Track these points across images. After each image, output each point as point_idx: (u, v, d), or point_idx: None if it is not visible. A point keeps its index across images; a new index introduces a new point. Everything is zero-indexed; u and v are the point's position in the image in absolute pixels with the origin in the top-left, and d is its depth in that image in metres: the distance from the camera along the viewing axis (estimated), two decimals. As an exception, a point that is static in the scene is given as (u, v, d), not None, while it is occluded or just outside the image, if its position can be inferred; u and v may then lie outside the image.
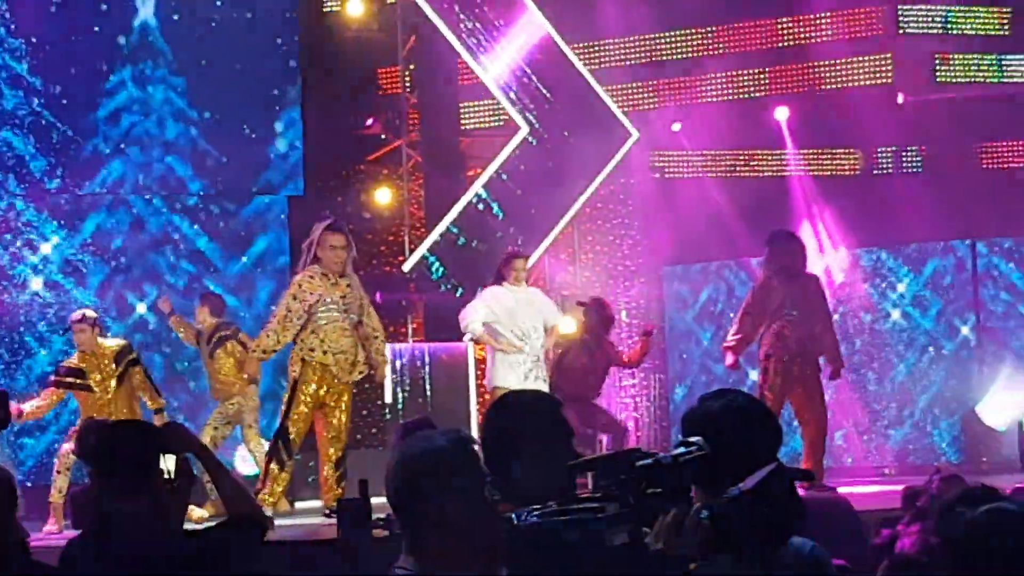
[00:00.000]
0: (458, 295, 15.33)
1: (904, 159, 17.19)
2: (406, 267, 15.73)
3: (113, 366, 12.64)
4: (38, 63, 15.22)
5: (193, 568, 5.22)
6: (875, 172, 17.28)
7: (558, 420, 4.62)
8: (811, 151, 17.22)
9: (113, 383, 12.62)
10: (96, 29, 15.50)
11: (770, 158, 17.19)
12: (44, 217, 15.32)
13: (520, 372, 12.50)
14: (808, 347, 12.44)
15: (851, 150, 17.29)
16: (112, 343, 12.90)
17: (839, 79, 16.89)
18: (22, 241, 15.25)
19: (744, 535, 3.23)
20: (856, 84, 16.80)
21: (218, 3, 15.86)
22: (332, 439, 11.64)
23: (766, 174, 17.15)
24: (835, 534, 5.39)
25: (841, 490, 11.27)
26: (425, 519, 3.75)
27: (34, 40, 15.22)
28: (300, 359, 11.55)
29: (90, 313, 12.97)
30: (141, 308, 15.55)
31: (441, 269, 15.72)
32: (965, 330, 16.36)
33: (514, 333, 12.51)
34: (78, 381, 12.67)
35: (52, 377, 13.03)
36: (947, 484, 6.85)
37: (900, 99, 16.70)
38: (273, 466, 11.54)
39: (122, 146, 15.60)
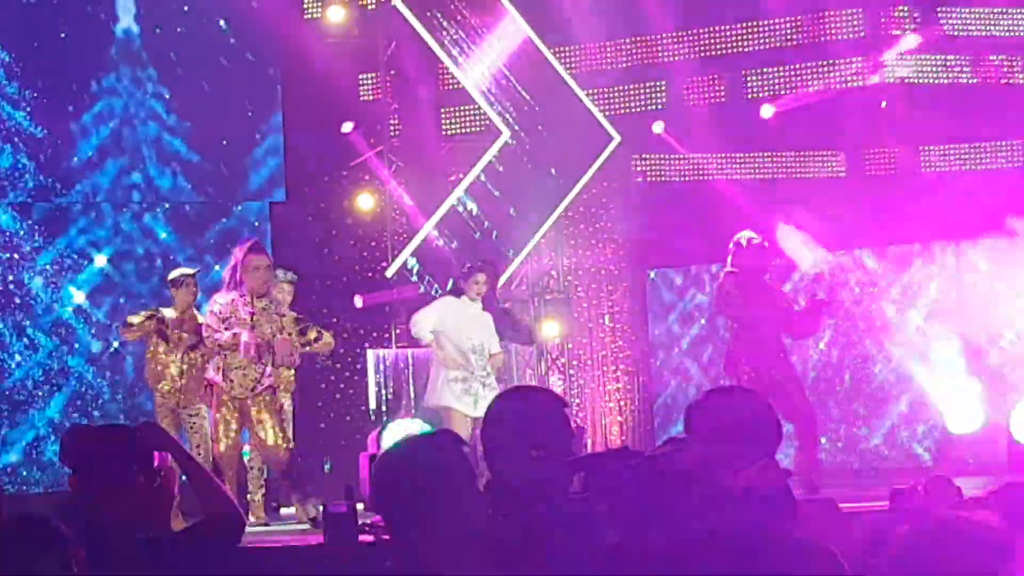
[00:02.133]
0: (436, 295, 15.35)
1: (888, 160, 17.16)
2: (389, 272, 15.72)
3: (190, 335, 12.56)
4: (18, 70, 15.20)
5: (170, 569, 5.22)
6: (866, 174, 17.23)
7: (558, 419, 4.61)
8: (796, 153, 17.17)
9: (181, 352, 12.53)
10: (77, 36, 15.48)
11: (753, 160, 17.15)
12: (27, 226, 15.31)
13: (456, 390, 12.52)
14: (781, 349, 12.46)
15: (833, 152, 17.25)
16: (201, 317, 12.73)
17: (823, 81, 16.85)
18: (6, 250, 15.24)
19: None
20: (841, 86, 16.77)
21: (199, 10, 15.84)
22: (269, 453, 11.89)
23: (750, 176, 17.11)
24: (820, 535, 5.39)
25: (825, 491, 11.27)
26: (413, 521, 3.74)
27: (14, 46, 15.20)
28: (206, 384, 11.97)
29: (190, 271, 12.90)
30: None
31: (419, 267, 15.74)
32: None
33: (455, 347, 12.57)
34: (159, 324, 12.54)
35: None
36: (933, 484, 6.87)
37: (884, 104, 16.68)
38: None
39: (104, 154, 15.58)
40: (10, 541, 3.66)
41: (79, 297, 15.40)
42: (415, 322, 12.79)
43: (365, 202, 16.16)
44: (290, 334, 12.00)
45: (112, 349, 15.52)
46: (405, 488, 3.73)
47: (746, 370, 12.26)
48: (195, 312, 12.69)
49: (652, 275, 17.57)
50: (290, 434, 12.38)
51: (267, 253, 12.15)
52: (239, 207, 16.20)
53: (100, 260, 15.60)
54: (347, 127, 15.92)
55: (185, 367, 12.50)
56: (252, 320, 11.75)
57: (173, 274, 12.88)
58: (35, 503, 12.22)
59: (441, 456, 3.78)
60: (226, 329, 11.74)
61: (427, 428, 12.32)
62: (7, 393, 15.23)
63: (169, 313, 12.71)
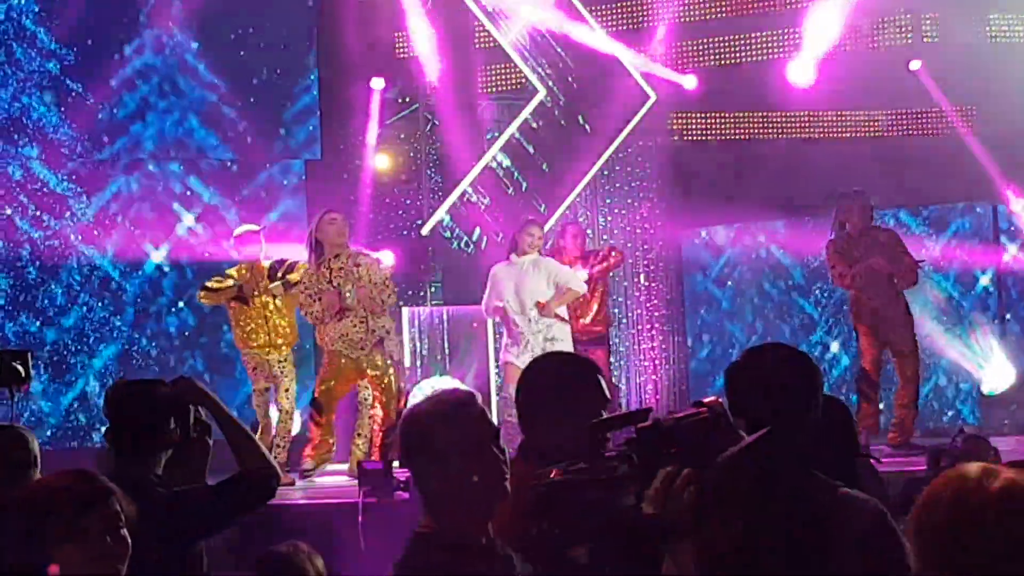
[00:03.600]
0: (469, 251, 15.35)
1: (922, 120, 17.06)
2: (424, 231, 15.71)
3: (267, 281, 12.60)
4: (57, 26, 15.21)
5: (199, 521, 5.23)
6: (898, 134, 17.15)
7: (590, 381, 4.61)
8: (836, 112, 17.07)
9: (268, 299, 12.60)
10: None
11: (790, 119, 17.06)
12: (63, 181, 15.35)
13: (520, 346, 12.71)
14: (889, 302, 12.56)
15: (870, 112, 17.14)
16: (267, 261, 12.75)
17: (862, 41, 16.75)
18: (41, 204, 15.29)
19: (730, 502, 3.16)
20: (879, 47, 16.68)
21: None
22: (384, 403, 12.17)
23: (785, 136, 17.05)
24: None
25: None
26: (431, 479, 3.77)
27: (52, 3, 15.23)
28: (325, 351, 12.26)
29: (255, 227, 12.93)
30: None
31: (454, 225, 15.73)
32: (985, 280, 16.35)
33: (512, 308, 12.79)
34: (238, 290, 12.55)
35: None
36: (970, 444, 6.85)
37: (915, 65, 16.54)
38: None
39: (141, 110, 15.60)
40: (61, 497, 3.66)
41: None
42: (483, 309, 13.13)
43: (400, 160, 16.15)
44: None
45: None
46: (427, 445, 3.75)
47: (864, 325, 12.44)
48: (263, 265, 12.67)
49: (704, 234, 17.52)
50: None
51: (341, 214, 12.33)
52: (275, 165, 16.20)
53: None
54: (377, 84, 15.87)
55: (268, 315, 12.57)
56: (332, 286, 12.00)
57: (239, 230, 12.90)
58: (71, 458, 12.26)
59: (462, 414, 3.79)
60: (316, 300, 11.99)
61: (457, 384, 12.49)
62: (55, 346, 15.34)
63: (233, 273, 12.72)
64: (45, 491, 3.70)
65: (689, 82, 16.75)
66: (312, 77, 16.21)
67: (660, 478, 3.14)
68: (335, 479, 12.14)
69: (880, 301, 12.52)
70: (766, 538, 3.47)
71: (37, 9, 15.22)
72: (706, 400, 3.31)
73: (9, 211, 15.15)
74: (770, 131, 17.09)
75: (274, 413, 12.62)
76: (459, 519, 3.75)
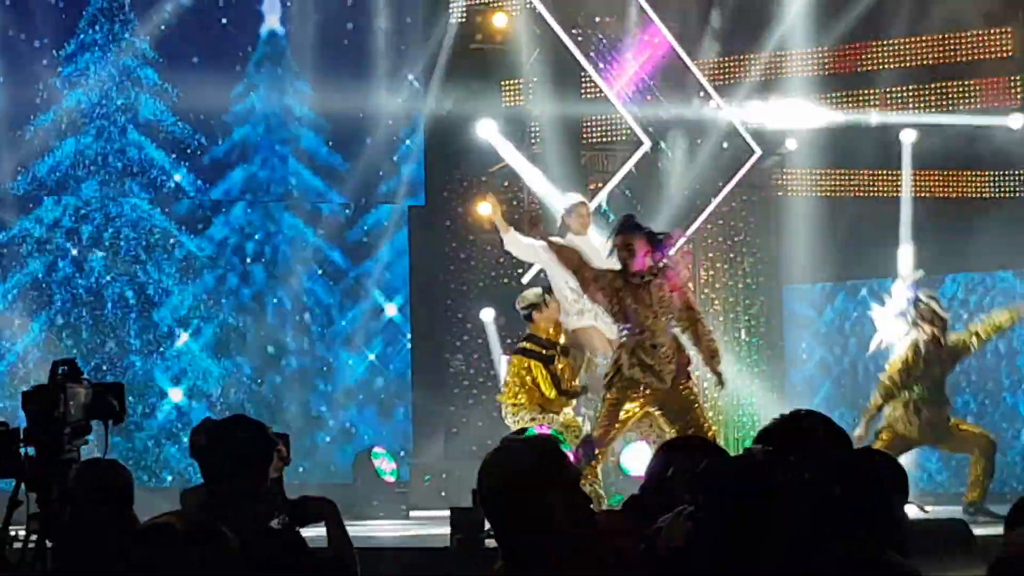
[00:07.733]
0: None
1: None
2: (525, 279, 15.70)
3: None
4: (169, 71, 15.40)
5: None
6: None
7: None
8: (937, 172, 16.90)
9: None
10: (223, 36, 15.68)
11: (891, 178, 16.90)
12: (170, 221, 15.54)
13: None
14: None
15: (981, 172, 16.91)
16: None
17: (970, 99, 16.59)
18: (152, 244, 15.49)
19: (719, 544, 3.20)
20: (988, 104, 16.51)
21: (345, 13, 15.97)
22: None
23: (887, 194, 16.90)
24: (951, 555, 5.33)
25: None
26: (515, 528, 3.75)
27: (165, 47, 15.40)
28: None
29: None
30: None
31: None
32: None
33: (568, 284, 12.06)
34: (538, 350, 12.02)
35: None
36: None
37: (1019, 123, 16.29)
38: None
39: (248, 152, 15.75)
40: (177, 537, 3.67)
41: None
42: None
43: (500, 208, 16.17)
44: None
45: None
46: (503, 494, 3.73)
47: None
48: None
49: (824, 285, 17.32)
50: None
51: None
52: (380, 209, 16.31)
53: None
54: (484, 131, 15.77)
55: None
56: None
57: (536, 299, 12.30)
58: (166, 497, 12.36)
59: (537, 461, 3.76)
60: None
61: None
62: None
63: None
64: (163, 530, 3.71)
65: (790, 144, 16.69)
66: (418, 123, 16.30)
67: (671, 515, 3.23)
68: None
69: None
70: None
71: (153, 54, 15.38)
72: (753, 448, 3.38)
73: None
74: (877, 188, 16.97)
75: None
76: (540, 567, 3.71)
